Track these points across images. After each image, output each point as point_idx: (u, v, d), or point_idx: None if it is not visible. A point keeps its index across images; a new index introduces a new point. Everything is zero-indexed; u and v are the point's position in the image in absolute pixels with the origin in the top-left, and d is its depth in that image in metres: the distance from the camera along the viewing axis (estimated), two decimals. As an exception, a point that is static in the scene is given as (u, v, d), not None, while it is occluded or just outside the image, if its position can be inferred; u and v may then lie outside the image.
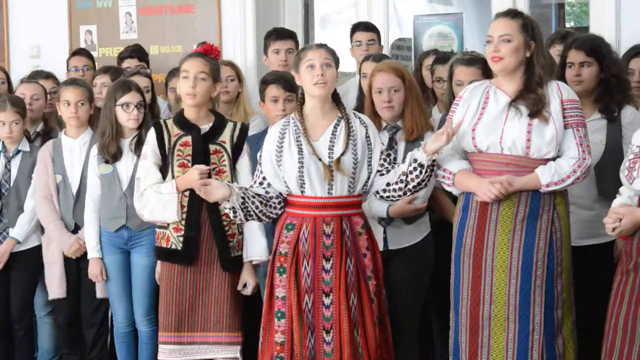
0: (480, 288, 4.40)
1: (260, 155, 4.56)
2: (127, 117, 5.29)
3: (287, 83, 5.24)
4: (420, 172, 4.41)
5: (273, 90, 5.26)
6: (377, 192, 4.54)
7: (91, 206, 5.39)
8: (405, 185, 4.44)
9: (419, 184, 4.44)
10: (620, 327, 4.07)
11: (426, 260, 5.00)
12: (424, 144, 4.40)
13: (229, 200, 4.42)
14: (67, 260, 5.58)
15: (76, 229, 5.56)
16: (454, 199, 4.70)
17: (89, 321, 5.59)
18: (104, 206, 5.37)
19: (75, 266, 5.58)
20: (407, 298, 4.87)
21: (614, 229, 4.08)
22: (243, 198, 4.44)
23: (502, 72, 4.41)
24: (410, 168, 4.41)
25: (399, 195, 4.51)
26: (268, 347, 4.49)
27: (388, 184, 4.48)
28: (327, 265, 4.42)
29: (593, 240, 4.67)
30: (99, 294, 5.49)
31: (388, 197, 4.54)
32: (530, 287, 4.34)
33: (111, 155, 5.31)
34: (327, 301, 4.41)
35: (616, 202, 4.21)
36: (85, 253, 5.44)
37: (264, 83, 5.35)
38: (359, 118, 4.55)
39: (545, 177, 4.31)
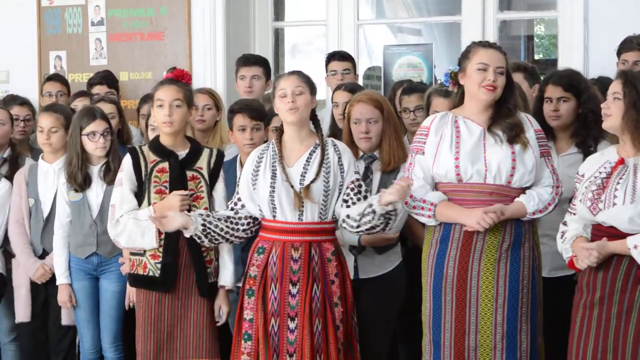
0: (465, 319, 4.39)
1: (240, 177, 4.60)
2: (94, 146, 5.28)
3: (254, 111, 5.24)
4: (373, 218, 4.39)
5: (240, 120, 5.23)
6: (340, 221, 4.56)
7: (60, 232, 5.36)
8: (358, 226, 4.45)
9: (372, 227, 4.43)
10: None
11: (396, 290, 4.99)
12: (381, 193, 4.38)
13: (187, 229, 4.51)
14: (35, 285, 5.55)
15: (44, 254, 5.53)
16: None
17: (55, 348, 5.55)
18: (74, 233, 5.34)
19: (44, 292, 5.55)
20: (376, 327, 4.85)
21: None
22: (204, 225, 4.52)
23: (491, 101, 4.41)
24: (365, 211, 4.41)
25: (351, 231, 4.52)
26: (235, 368, 4.53)
27: (348, 216, 4.48)
28: (294, 290, 4.44)
29: (566, 271, 4.68)
30: (65, 320, 5.45)
31: (345, 228, 4.55)
32: (518, 316, 4.37)
33: (78, 184, 5.29)
34: (292, 325, 4.43)
35: (570, 235, 4.26)
36: (54, 279, 5.40)
37: (231, 112, 5.33)
38: (335, 145, 4.57)
39: (532, 205, 4.36)
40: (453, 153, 4.42)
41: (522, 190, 4.40)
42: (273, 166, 4.51)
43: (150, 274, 4.76)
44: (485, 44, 4.49)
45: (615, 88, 4.14)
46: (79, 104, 6.11)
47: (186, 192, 4.73)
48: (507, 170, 4.35)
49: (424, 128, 4.57)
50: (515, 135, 4.38)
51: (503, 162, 4.35)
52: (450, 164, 4.41)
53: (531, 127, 4.45)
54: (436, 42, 8.70)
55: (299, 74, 4.59)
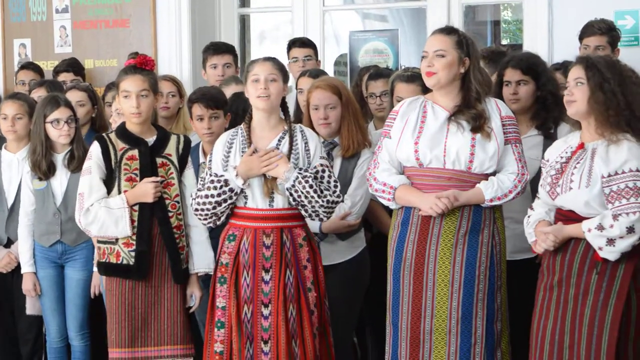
0: (421, 302, 4.41)
1: (210, 161, 4.56)
2: (58, 133, 5.26)
3: (211, 100, 5.20)
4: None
5: (197, 109, 5.20)
6: None
7: (25, 221, 5.34)
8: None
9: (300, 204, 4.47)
10: (547, 341, 4.13)
11: (361, 276, 5.01)
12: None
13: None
14: (0, 275, 5.52)
15: (9, 243, 5.51)
16: (390, 211, 4.72)
17: (23, 337, 5.54)
18: (38, 221, 5.32)
19: (10, 281, 5.53)
20: (341, 314, 4.84)
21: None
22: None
23: (435, 86, 4.45)
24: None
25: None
26: (209, 356, 4.52)
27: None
28: (267, 277, 4.44)
29: (527, 254, 4.72)
30: (29, 310, 5.44)
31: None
32: (473, 301, 4.37)
33: (43, 173, 5.27)
34: (265, 312, 4.43)
35: (533, 219, 4.28)
36: (20, 268, 5.38)
37: (190, 101, 5.31)
38: (302, 131, 4.57)
39: (489, 192, 4.36)
40: (414, 138, 4.43)
41: (485, 176, 4.40)
42: (243, 152, 4.50)
43: (124, 262, 4.71)
44: (434, 31, 4.53)
45: (577, 74, 4.13)
46: (35, 95, 6.03)
47: (158, 179, 4.71)
48: (465, 157, 4.36)
49: (394, 112, 4.60)
50: (479, 125, 4.38)
51: (462, 149, 4.36)
52: (411, 148, 4.43)
53: (498, 114, 4.44)
54: (402, 27, 8.71)
55: (273, 60, 4.57)
